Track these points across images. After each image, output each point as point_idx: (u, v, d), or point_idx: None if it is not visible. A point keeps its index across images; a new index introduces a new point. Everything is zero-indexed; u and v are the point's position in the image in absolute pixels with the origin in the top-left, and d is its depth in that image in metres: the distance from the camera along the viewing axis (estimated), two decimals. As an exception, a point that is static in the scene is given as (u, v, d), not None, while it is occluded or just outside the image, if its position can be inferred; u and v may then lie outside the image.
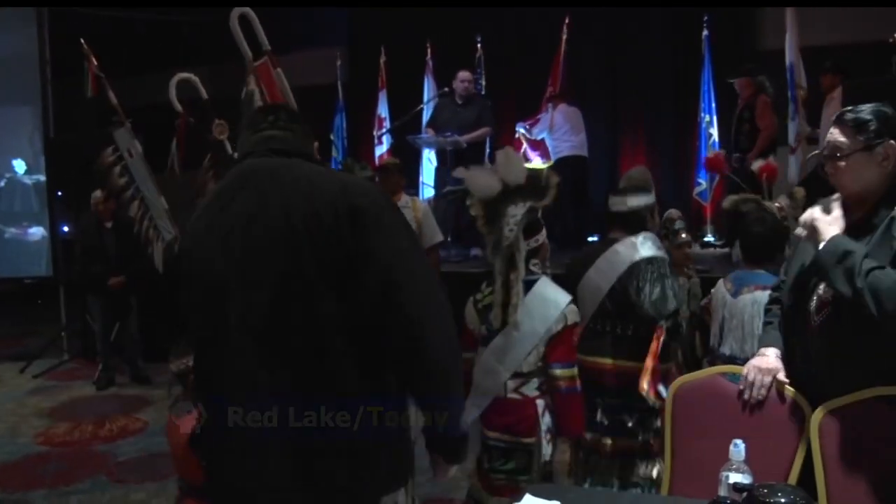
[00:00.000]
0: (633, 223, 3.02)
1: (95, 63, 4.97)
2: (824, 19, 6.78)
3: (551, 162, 7.18)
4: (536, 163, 7.37)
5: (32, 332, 8.17)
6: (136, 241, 5.55)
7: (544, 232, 2.79)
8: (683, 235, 3.66)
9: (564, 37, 7.82)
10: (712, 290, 3.17)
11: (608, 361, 2.96)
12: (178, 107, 4.43)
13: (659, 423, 2.86)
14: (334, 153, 8.75)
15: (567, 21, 7.79)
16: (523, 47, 8.50)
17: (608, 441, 2.96)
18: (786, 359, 2.18)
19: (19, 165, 7.77)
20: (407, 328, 1.59)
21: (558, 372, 2.65)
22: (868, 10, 6.61)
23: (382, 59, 8.76)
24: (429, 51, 8.40)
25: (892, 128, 1.98)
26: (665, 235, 3.83)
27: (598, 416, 2.96)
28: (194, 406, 2.17)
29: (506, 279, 2.65)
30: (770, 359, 2.19)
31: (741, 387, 2.19)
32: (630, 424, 2.95)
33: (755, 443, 1.77)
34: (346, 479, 1.62)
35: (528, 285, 2.68)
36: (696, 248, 4.55)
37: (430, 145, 7.20)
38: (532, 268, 2.72)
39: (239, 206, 1.68)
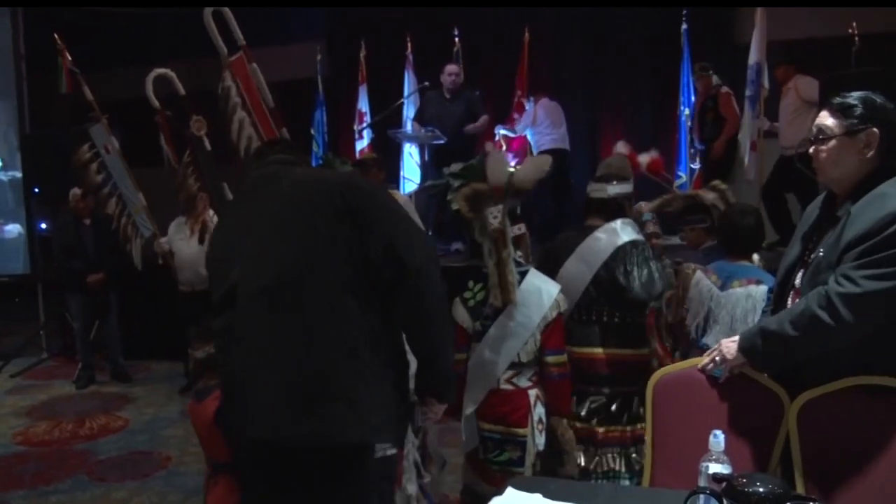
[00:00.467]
0: (612, 210, 3.02)
1: (69, 58, 4.92)
2: (779, 17, 6.88)
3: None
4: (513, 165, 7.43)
5: (10, 330, 8.08)
6: (114, 238, 5.52)
7: (523, 225, 2.83)
8: (651, 227, 3.68)
9: (527, 38, 7.87)
10: (679, 282, 3.16)
11: (598, 351, 2.94)
12: (156, 103, 4.40)
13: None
14: (315, 148, 8.69)
15: (527, 29, 7.85)
16: (501, 41, 8.50)
17: (600, 430, 2.94)
18: None
19: (-5, 162, 7.69)
20: (407, 277, 1.84)
21: (550, 359, 2.75)
22: (823, 8, 6.81)
23: (362, 54, 8.72)
24: (408, 45, 8.38)
25: (878, 116, 2.00)
26: None
27: (588, 405, 2.95)
28: (216, 388, 2.39)
29: (499, 258, 2.71)
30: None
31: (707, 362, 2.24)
32: (624, 413, 2.94)
33: (735, 433, 1.79)
34: (343, 421, 1.80)
35: (520, 276, 2.74)
36: (676, 240, 4.58)
37: (411, 140, 7.19)
38: (517, 259, 2.78)
39: (253, 204, 1.99)
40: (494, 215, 2.73)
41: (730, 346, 2.18)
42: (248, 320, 1.88)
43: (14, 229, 7.62)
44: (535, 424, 2.73)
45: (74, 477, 4.33)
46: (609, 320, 2.94)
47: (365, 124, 8.30)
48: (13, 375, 6.65)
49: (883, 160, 2.01)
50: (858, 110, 2.00)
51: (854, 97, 2.03)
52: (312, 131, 8.84)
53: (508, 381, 2.74)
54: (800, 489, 2.01)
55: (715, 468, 1.63)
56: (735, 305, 2.90)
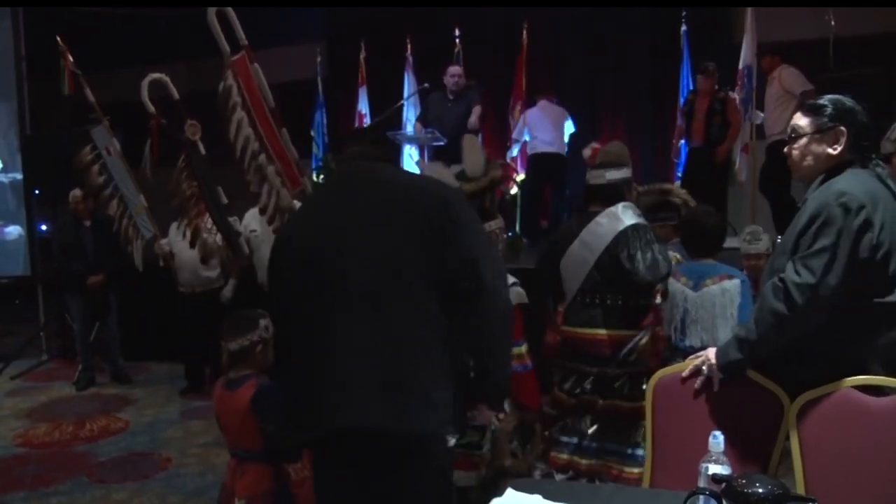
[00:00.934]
0: (612, 196, 3.07)
1: (71, 60, 4.92)
2: (771, 18, 6.93)
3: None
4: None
5: (10, 332, 8.08)
6: (114, 240, 5.51)
7: (495, 222, 2.85)
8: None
9: (525, 39, 7.89)
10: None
11: (602, 332, 2.99)
12: (151, 108, 4.39)
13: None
14: (315, 150, 8.68)
15: (525, 31, 7.86)
16: (501, 42, 8.52)
17: (599, 400, 3.00)
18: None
19: (-5, 163, 7.69)
20: (481, 293, 1.96)
21: (515, 351, 2.77)
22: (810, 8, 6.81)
23: (362, 55, 8.74)
24: (408, 46, 8.39)
25: (846, 117, 2.14)
26: None
27: (587, 384, 3.01)
28: (249, 378, 2.59)
29: None
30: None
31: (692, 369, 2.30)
32: (625, 390, 2.99)
33: (734, 434, 1.79)
34: (421, 413, 1.93)
35: None
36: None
37: (411, 141, 7.19)
38: None
39: (344, 202, 2.06)
40: None
41: (712, 357, 2.26)
42: (346, 316, 1.96)
43: (14, 231, 7.62)
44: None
45: (75, 479, 4.33)
46: (612, 303, 2.99)
47: (365, 126, 8.30)
48: (13, 377, 6.64)
49: (850, 156, 2.15)
50: (829, 110, 2.16)
51: (826, 99, 2.19)
52: (312, 133, 8.85)
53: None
54: (800, 490, 2.02)
55: (714, 469, 1.63)
56: (713, 303, 3.02)
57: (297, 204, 4.26)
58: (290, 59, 8.91)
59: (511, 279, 2.76)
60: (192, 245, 4.39)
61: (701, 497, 1.58)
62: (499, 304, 2.01)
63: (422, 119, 6.90)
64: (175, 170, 4.19)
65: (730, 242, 6.48)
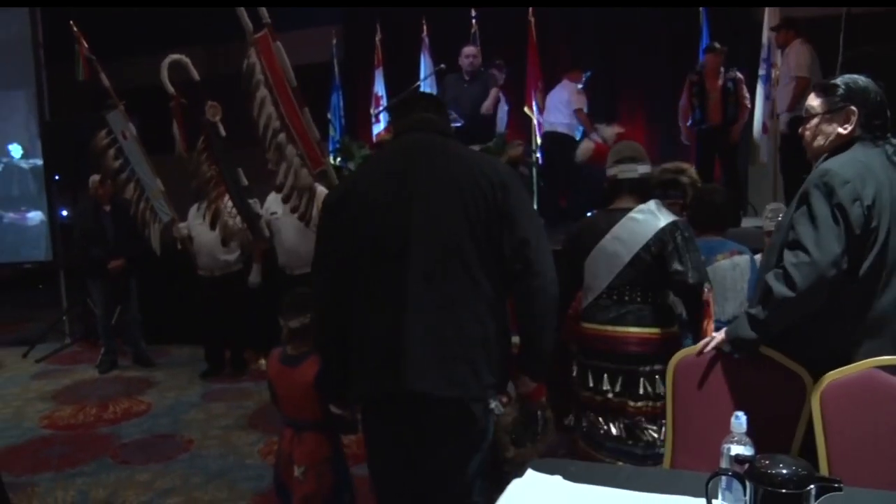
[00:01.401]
0: (642, 190, 3.00)
1: (86, 45, 4.93)
2: None
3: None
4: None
5: (34, 316, 8.19)
6: (134, 224, 5.55)
7: None
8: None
9: (532, 20, 7.87)
10: None
11: (633, 330, 2.92)
12: (171, 89, 4.40)
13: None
14: (331, 132, 8.67)
15: (532, 12, 7.83)
16: (519, 22, 8.42)
17: (619, 401, 2.95)
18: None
19: (16, 150, 7.71)
20: (533, 274, 2.10)
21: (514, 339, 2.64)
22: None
23: (378, 37, 8.69)
24: (424, 27, 8.33)
25: (858, 97, 2.16)
26: None
27: (605, 382, 2.95)
28: (310, 354, 2.70)
29: None
30: None
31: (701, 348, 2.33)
32: (649, 389, 2.93)
33: (757, 414, 1.77)
34: (472, 376, 2.10)
35: None
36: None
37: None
38: None
39: (412, 171, 2.14)
40: None
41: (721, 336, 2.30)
42: (416, 289, 2.07)
43: (36, 216, 7.68)
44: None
45: (99, 460, 4.39)
46: (644, 300, 2.91)
47: (381, 108, 8.28)
48: (38, 360, 6.74)
49: (860, 134, 2.17)
50: (840, 90, 2.19)
51: (839, 79, 2.21)
52: (329, 115, 8.83)
53: None
54: (823, 471, 2.00)
55: (737, 450, 1.62)
56: (724, 277, 3.16)
57: (318, 185, 4.26)
58: (306, 41, 8.87)
59: None
60: (213, 227, 4.41)
61: (724, 478, 1.56)
62: (547, 284, 2.13)
63: None
64: (195, 151, 4.19)
65: (752, 222, 6.51)
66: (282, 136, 3.83)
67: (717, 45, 6.54)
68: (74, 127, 6.81)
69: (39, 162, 7.56)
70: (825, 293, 2.03)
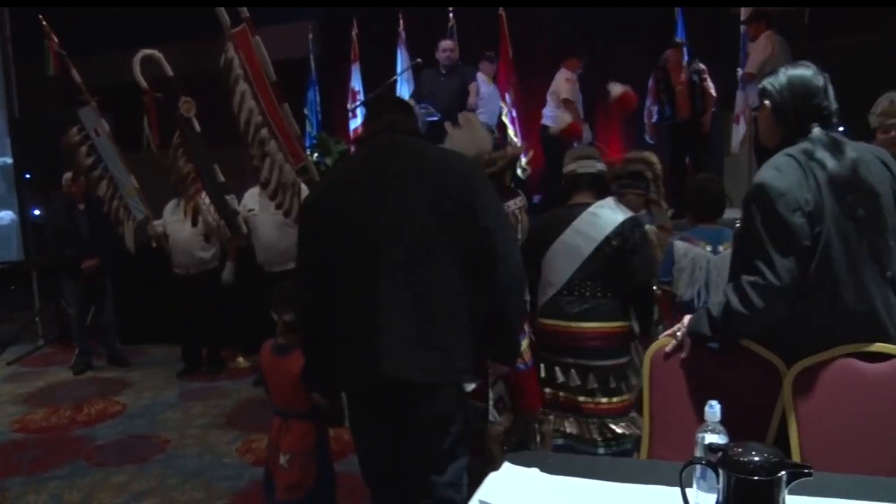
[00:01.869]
0: (600, 187, 3.10)
1: (56, 41, 4.85)
2: None
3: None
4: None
5: (6, 318, 8.08)
6: (108, 222, 5.47)
7: (517, 200, 2.78)
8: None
9: (503, 15, 7.89)
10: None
11: (594, 325, 2.97)
12: (144, 84, 4.34)
13: (635, 381, 2.97)
14: (308, 128, 8.62)
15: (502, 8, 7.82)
16: (496, 16, 8.41)
17: (582, 398, 2.98)
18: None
19: (-16, 148, 7.60)
20: (496, 261, 2.20)
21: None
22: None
23: (354, 32, 8.65)
24: (401, 22, 8.29)
25: (767, 92, 2.13)
26: None
27: (571, 376, 2.98)
28: (298, 345, 2.70)
29: None
30: None
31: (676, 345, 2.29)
32: (618, 384, 2.99)
33: (732, 404, 1.77)
34: (445, 362, 2.21)
35: None
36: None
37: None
38: None
39: (380, 173, 2.25)
40: None
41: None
42: (389, 282, 2.19)
43: (6, 216, 7.55)
44: (492, 402, 2.69)
45: (73, 462, 4.33)
46: (604, 295, 2.97)
47: (358, 103, 8.24)
48: (10, 363, 6.65)
49: (784, 136, 2.12)
50: (762, 86, 2.16)
51: (765, 74, 2.18)
52: (306, 111, 8.79)
53: None
54: (795, 457, 2.01)
55: (711, 438, 1.61)
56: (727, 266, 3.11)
57: (300, 181, 4.23)
58: (282, 36, 8.78)
59: None
60: (194, 223, 4.37)
61: (698, 467, 1.56)
62: (511, 271, 2.24)
63: (415, 95, 6.84)
64: (171, 148, 4.15)
65: (728, 213, 6.53)
66: (264, 132, 3.80)
67: (676, 39, 6.61)
68: (45, 124, 6.71)
69: (9, 160, 7.43)
70: (784, 309, 2.01)
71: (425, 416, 2.28)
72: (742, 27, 6.42)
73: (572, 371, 2.95)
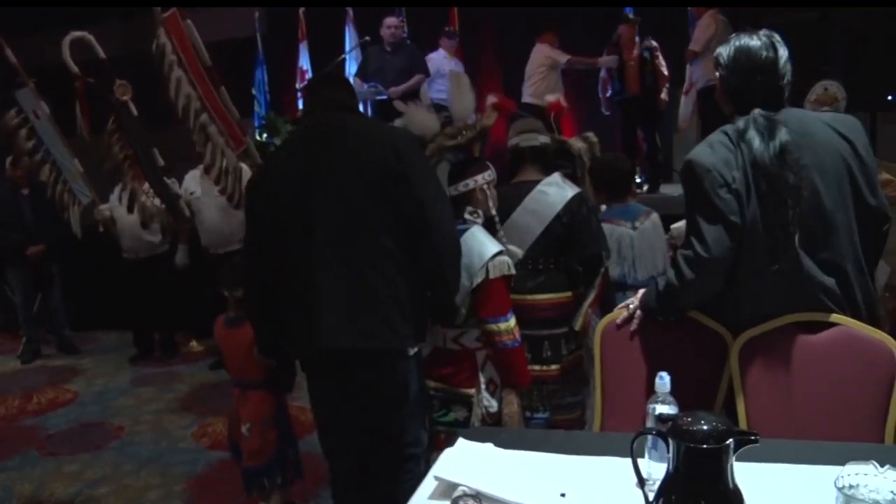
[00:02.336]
0: (544, 160, 3.10)
1: (-10, 21, 4.68)
2: None
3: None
4: None
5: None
6: (54, 208, 5.33)
7: (486, 174, 2.71)
8: None
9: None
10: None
11: (548, 296, 3.02)
12: (74, 68, 4.20)
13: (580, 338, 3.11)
14: (256, 108, 8.46)
15: None
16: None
17: (555, 367, 3.05)
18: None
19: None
20: (430, 231, 2.27)
21: (494, 327, 2.54)
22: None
23: (301, 10, 8.51)
24: (348, -1, 8.19)
25: (718, 65, 2.11)
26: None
27: (545, 350, 3.04)
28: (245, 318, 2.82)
29: None
30: None
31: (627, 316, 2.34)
32: (567, 349, 3.07)
33: (682, 375, 1.82)
34: (384, 328, 2.29)
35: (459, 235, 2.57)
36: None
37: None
38: (466, 216, 2.64)
39: (314, 150, 2.33)
40: None
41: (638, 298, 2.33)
42: (323, 255, 2.26)
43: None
44: (484, 385, 2.63)
45: (24, 453, 4.25)
46: (556, 266, 3.03)
47: (306, 82, 8.12)
48: (-46, 354, 6.47)
49: (735, 106, 2.10)
50: (715, 55, 2.13)
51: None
52: (254, 91, 8.63)
53: (454, 340, 2.62)
54: (742, 425, 2.07)
55: (661, 409, 1.65)
56: (650, 237, 3.47)
57: (242, 164, 4.18)
58: (227, 15, 8.62)
59: (497, 247, 2.58)
60: (130, 210, 4.28)
61: (649, 437, 1.60)
62: (445, 240, 2.31)
63: (360, 73, 6.77)
64: (105, 133, 4.04)
65: (677, 189, 6.65)
66: (204, 117, 3.74)
67: (630, 15, 6.64)
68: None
69: (-56, 145, 7.16)
70: (717, 282, 2.05)
71: (371, 381, 2.38)
72: (689, 8, 6.50)
73: (525, 343, 2.94)
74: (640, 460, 1.49)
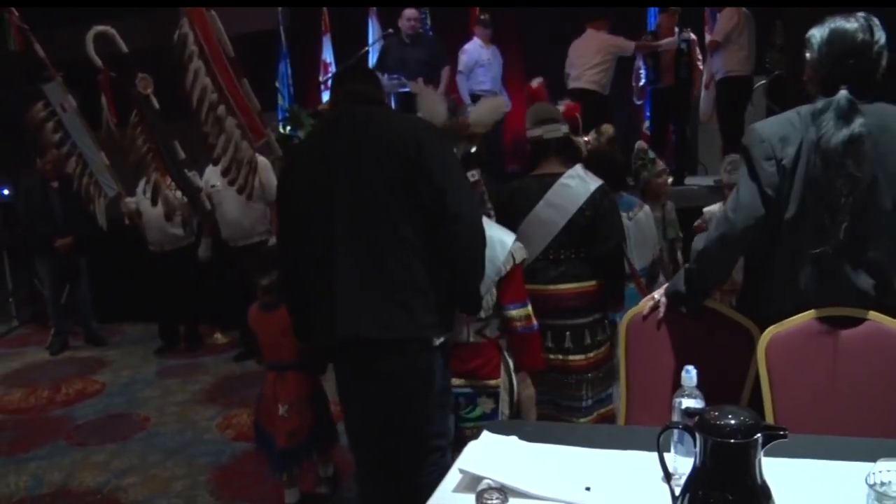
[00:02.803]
0: (568, 150, 3.10)
1: (17, 14, 4.71)
2: None
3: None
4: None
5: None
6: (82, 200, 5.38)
7: (476, 172, 2.76)
8: (661, 163, 3.95)
9: None
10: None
11: (570, 286, 3.00)
12: (98, 62, 4.22)
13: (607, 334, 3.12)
14: (280, 101, 8.49)
15: None
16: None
17: (580, 357, 3.03)
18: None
19: (-55, 127, 7.41)
20: (452, 220, 2.26)
21: (513, 313, 2.65)
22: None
23: (324, 3, 8.51)
24: (371, -9, 8.18)
25: (810, 46, 2.06)
26: (643, 165, 4.00)
27: (567, 341, 3.02)
28: (281, 303, 2.84)
29: None
30: None
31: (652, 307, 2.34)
32: (593, 339, 3.05)
33: (707, 369, 1.80)
34: (405, 318, 2.29)
35: None
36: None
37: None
38: None
39: (335, 142, 2.35)
40: None
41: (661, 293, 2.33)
42: (344, 246, 2.29)
43: (-27, 196, 7.43)
44: (511, 372, 2.70)
45: (53, 443, 4.31)
46: (577, 255, 3.01)
47: (330, 75, 8.13)
48: (-16, 345, 6.58)
49: (823, 88, 2.05)
50: (808, 35, 2.07)
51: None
52: (277, 84, 8.64)
53: (478, 332, 2.66)
54: (769, 420, 2.04)
55: (688, 403, 1.64)
56: (645, 227, 3.62)
57: (259, 156, 4.18)
58: (252, 9, 8.65)
59: (509, 235, 2.66)
60: (154, 202, 4.31)
61: (675, 431, 1.58)
62: (467, 227, 2.30)
63: (380, 66, 6.73)
64: (128, 126, 4.06)
65: (699, 180, 6.60)
66: (221, 109, 3.73)
67: (671, 7, 6.55)
68: (7, 101, 6.55)
69: (-28, 139, 7.27)
70: (742, 244, 2.07)
71: (393, 371, 2.36)
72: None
73: (548, 333, 2.98)
74: (666, 454, 1.48)
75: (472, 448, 1.79)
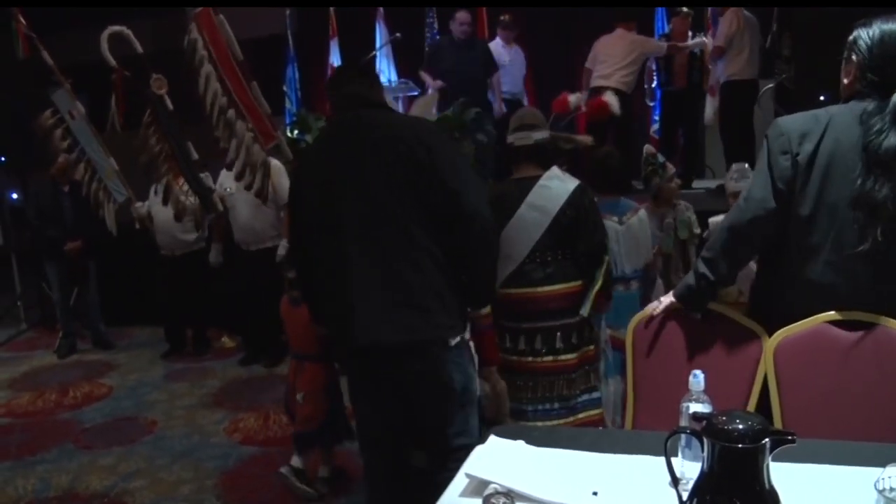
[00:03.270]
0: (542, 156, 3.11)
1: (24, 22, 4.73)
2: None
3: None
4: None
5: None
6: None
7: None
8: (671, 167, 3.95)
9: None
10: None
11: (557, 287, 3.04)
12: (112, 62, 4.24)
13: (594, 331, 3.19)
14: (288, 105, 8.52)
15: None
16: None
17: (571, 356, 3.06)
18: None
19: (-45, 134, 7.47)
20: (465, 220, 2.28)
21: (482, 311, 2.79)
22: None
23: (332, 7, 8.54)
24: (379, -4, 8.20)
25: (857, 47, 2.02)
26: (653, 171, 4.00)
27: (558, 342, 3.04)
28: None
29: None
30: None
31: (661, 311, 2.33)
32: (581, 337, 3.08)
33: (715, 373, 1.79)
34: (421, 320, 2.29)
35: None
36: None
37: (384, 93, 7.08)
38: None
39: (342, 147, 2.36)
40: None
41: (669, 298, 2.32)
42: (354, 251, 2.29)
43: (-17, 200, 7.46)
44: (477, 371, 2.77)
45: (61, 446, 4.32)
46: (563, 256, 3.04)
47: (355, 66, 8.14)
48: (-7, 348, 6.60)
49: (859, 87, 2.01)
50: (849, 39, 2.05)
51: (856, 26, 2.05)
52: (285, 88, 8.68)
53: None
54: (778, 425, 2.03)
55: (695, 407, 1.63)
56: (638, 232, 3.57)
57: (271, 159, 4.20)
58: (259, 13, 8.68)
59: None
60: (165, 202, 4.32)
61: (683, 436, 1.58)
62: (482, 227, 2.32)
63: (431, 67, 6.61)
64: (141, 126, 4.08)
65: (705, 184, 6.58)
66: (231, 113, 3.75)
67: (684, 8, 6.52)
68: (16, 107, 6.58)
69: (-19, 145, 7.31)
70: (751, 235, 2.08)
71: (411, 374, 2.37)
72: (712, 16, 6.47)
73: (538, 336, 3.03)
74: (673, 459, 1.47)
75: (478, 452, 1.79)
